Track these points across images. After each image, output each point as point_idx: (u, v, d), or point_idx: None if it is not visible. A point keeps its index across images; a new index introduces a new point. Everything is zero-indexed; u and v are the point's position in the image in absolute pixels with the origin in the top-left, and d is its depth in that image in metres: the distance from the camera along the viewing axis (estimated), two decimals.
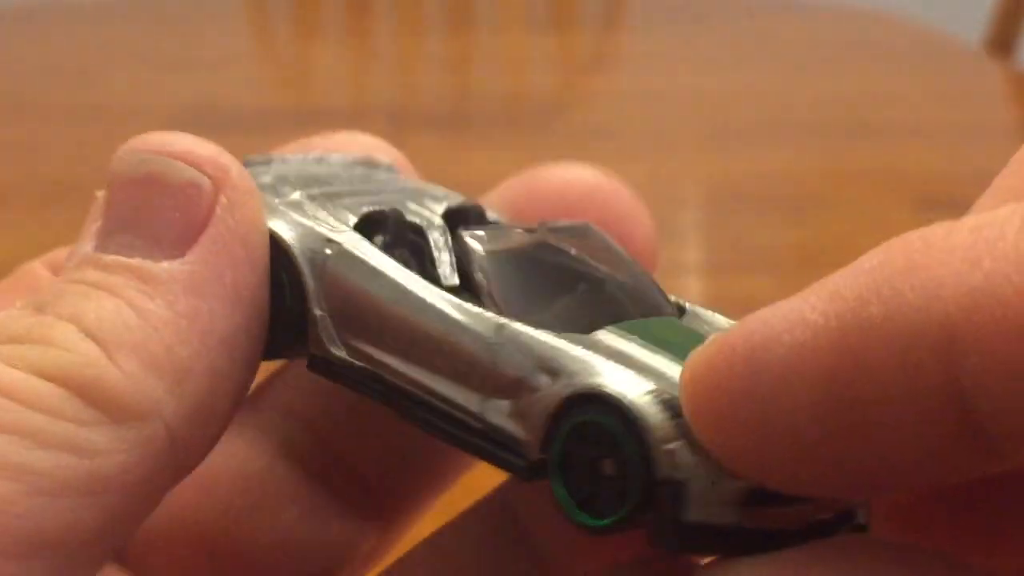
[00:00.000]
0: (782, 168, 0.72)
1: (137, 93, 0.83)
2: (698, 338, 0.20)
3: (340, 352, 0.21)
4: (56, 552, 0.18)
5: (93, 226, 0.21)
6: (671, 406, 0.18)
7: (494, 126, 0.79)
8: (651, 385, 0.18)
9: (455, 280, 0.22)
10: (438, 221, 0.23)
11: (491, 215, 0.24)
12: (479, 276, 0.21)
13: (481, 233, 0.22)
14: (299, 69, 0.99)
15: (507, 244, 0.22)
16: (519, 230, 0.22)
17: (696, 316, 0.22)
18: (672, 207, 0.67)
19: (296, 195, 0.22)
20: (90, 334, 0.19)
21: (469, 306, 0.20)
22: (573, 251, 0.22)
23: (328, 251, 0.21)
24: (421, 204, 0.23)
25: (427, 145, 0.69)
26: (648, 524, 0.18)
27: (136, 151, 0.21)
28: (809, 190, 0.69)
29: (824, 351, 0.16)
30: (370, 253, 0.21)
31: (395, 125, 0.76)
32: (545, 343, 0.19)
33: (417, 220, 0.22)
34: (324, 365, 0.22)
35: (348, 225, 0.22)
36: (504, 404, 0.20)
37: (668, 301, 0.22)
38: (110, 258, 0.20)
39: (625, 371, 0.19)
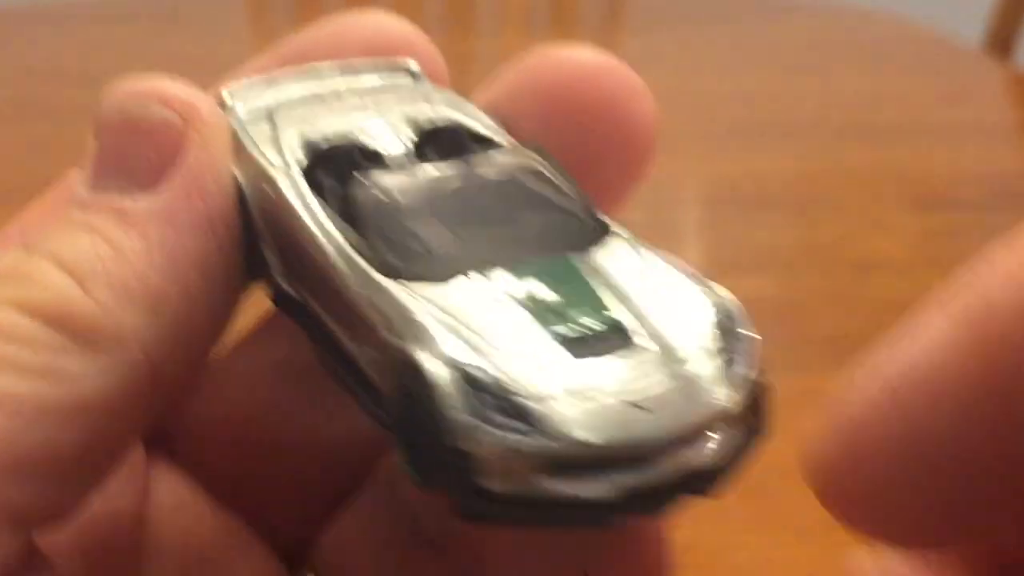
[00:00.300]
0: (782, 168, 0.72)
1: None
2: (581, 289, 0.20)
3: (288, 288, 0.22)
4: (35, 473, 0.19)
5: (85, 171, 0.22)
6: (482, 378, 0.18)
7: None
8: (467, 355, 0.18)
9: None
10: (405, 149, 0.23)
11: (480, 127, 0.24)
12: (361, 224, 0.21)
13: (379, 177, 0.21)
14: None
15: (406, 184, 0.21)
16: (436, 169, 0.22)
17: (610, 250, 0.21)
18: (672, 207, 0.67)
19: (267, 127, 0.23)
20: (65, 268, 0.20)
21: (356, 257, 0.20)
22: (495, 185, 0.22)
23: (271, 192, 0.22)
24: (399, 127, 0.23)
25: None
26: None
27: (116, 98, 0.22)
28: (809, 190, 0.69)
29: (963, 353, 0.16)
30: (298, 197, 0.21)
31: None
32: (394, 300, 0.19)
33: (381, 148, 0.22)
34: (282, 300, 0.22)
35: (302, 162, 0.22)
36: (372, 352, 0.20)
37: (596, 227, 0.21)
38: (92, 198, 0.21)
39: (454, 338, 0.19)
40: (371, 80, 0.24)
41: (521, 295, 0.19)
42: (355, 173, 0.21)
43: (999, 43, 1.06)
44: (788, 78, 0.89)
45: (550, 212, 0.21)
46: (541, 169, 0.22)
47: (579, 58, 0.24)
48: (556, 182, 0.22)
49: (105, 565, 0.23)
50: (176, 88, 0.22)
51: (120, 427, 0.20)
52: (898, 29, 1.01)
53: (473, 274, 0.20)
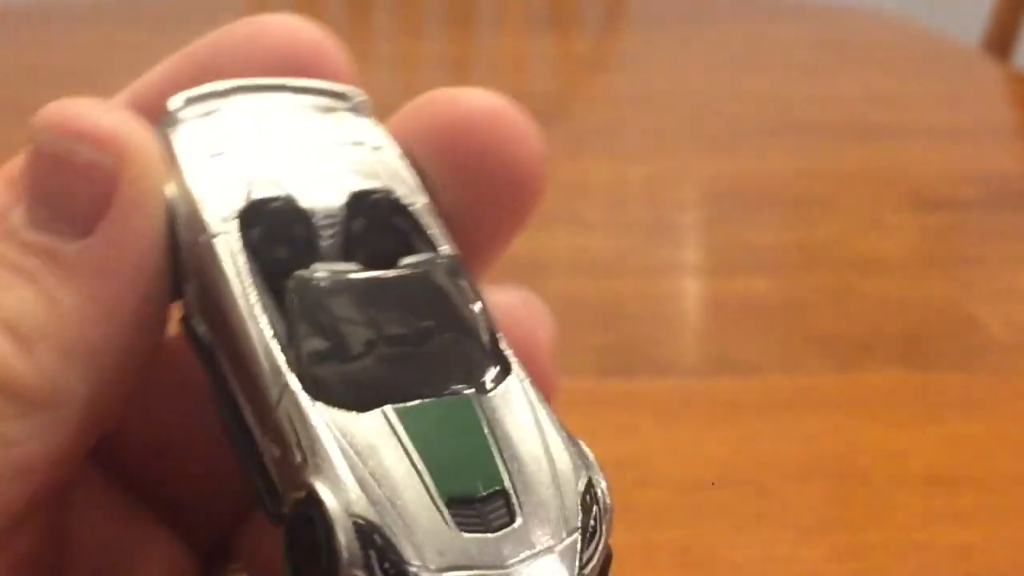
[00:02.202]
0: (782, 168, 0.72)
1: None
2: (478, 444, 0.20)
3: (200, 328, 0.22)
4: None
5: (21, 185, 0.22)
6: (376, 539, 0.19)
7: None
8: (366, 507, 0.19)
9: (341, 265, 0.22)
10: (334, 209, 0.23)
11: (405, 198, 0.24)
12: (288, 322, 0.21)
13: (314, 274, 0.21)
14: None
15: (336, 286, 0.21)
16: (362, 274, 0.22)
17: (505, 396, 0.21)
18: (672, 207, 0.67)
19: (207, 158, 0.22)
20: (9, 328, 0.20)
21: (276, 351, 0.20)
22: (409, 300, 0.22)
23: (200, 239, 0.22)
24: (331, 182, 0.23)
25: None
26: None
27: (47, 127, 0.22)
28: (809, 190, 0.69)
29: None
30: (229, 257, 0.21)
31: None
32: (306, 423, 0.20)
33: (311, 207, 0.22)
34: (190, 334, 0.22)
35: (236, 209, 0.22)
36: (276, 452, 0.20)
37: (494, 360, 0.22)
38: (30, 236, 0.21)
39: (356, 484, 0.19)
40: (317, 104, 0.24)
41: (423, 441, 0.20)
42: (294, 273, 0.21)
43: (999, 43, 1.06)
44: (788, 78, 0.89)
45: (462, 339, 0.22)
46: (455, 282, 0.22)
47: (470, 100, 0.24)
48: (466, 297, 0.22)
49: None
50: (106, 119, 0.22)
51: (62, 473, 0.21)
52: (898, 29, 1.01)
53: (385, 410, 0.20)
